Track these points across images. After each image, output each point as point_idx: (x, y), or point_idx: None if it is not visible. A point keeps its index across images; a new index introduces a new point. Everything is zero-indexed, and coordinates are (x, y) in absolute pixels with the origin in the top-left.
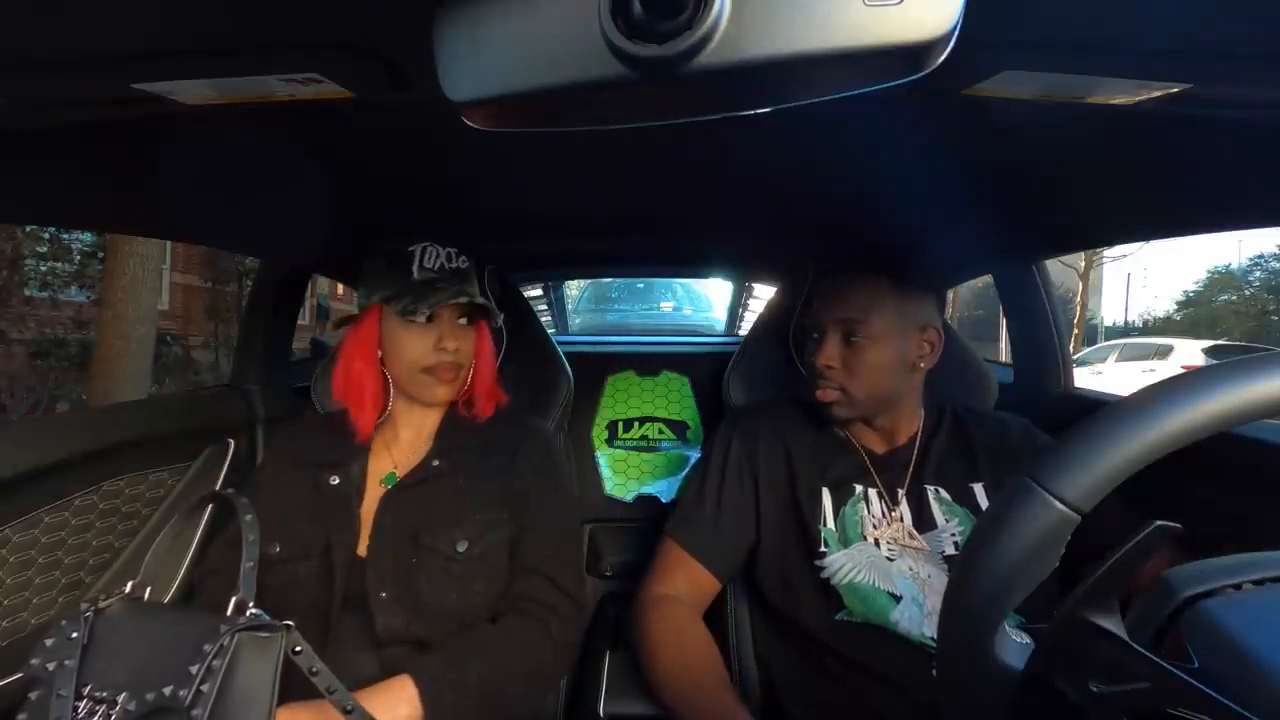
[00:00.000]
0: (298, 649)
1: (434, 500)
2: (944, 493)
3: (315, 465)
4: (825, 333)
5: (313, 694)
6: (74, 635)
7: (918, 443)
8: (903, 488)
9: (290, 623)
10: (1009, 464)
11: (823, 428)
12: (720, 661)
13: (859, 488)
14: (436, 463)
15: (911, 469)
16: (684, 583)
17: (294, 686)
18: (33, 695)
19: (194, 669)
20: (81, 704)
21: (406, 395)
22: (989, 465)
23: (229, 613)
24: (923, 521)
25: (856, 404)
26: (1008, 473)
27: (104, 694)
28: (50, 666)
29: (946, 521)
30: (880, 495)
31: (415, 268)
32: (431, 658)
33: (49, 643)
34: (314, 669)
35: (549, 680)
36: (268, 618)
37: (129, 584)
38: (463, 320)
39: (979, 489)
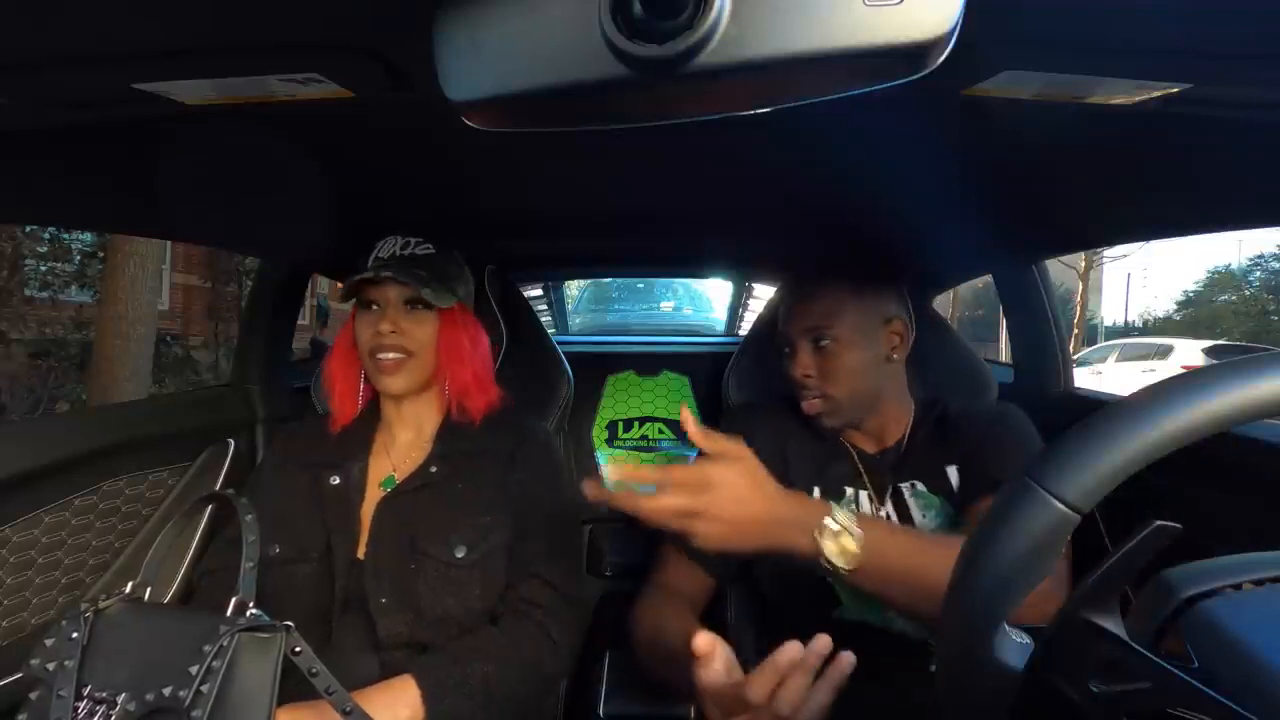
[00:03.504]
0: (297, 649)
1: (432, 506)
2: (920, 485)
3: (316, 465)
4: (795, 345)
5: (312, 694)
6: (74, 635)
7: (905, 443)
8: (888, 489)
9: (290, 623)
10: (980, 444)
11: (817, 430)
12: (687, 629)
13: (849, 490)
14: (434, 468)
15: (893, 470)
16: (681, 580)
17: (293, 686)
18: (33, 695)
19: (194, 669)
20: (82, 704)
21: (390, 396)
22: (961, 449)
23: (229, 613)
24: (904, 520)
25: (842, 409)
26: (976, 450)
27: (104, 694)
28: (50, 667)
29: (923, 516)
30: (870, 498)
31: (371, 259)
32: (434, 658)
33: (49, 643)
34: (313, 670)
35: (549, 681)
36: (268, 618)
37: (129, 584)
38: (413, 306)
39: (951, 471)
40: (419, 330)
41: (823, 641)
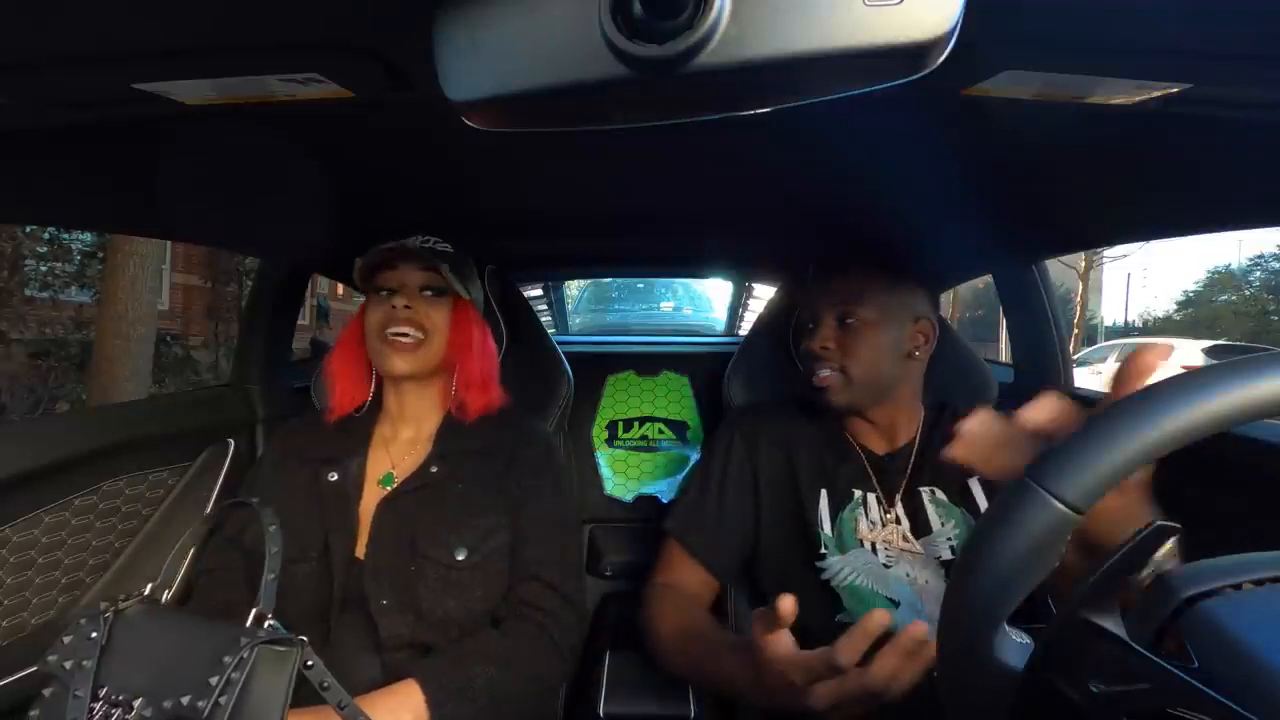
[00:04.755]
0: (309, 664)
1: (432, 507)
2: (940, 494)
3: (314, 461)
4: (821, 319)
5: (313, 696)
6: (93, 635)
7: (917, 444)
8: (900, 492)
9: (305, 638)
10: None
11: (824, 429)
12: (717, 625)
13: (858, 493)
14: (435, 469)
15: (909, 471)
16: (685, 580)
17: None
18: (47, 692)
19: (213, 680)
20: (97, 705)
21: (393, 385)
22: None
23: (248, 624)
24: (919, 526)
25: (854, 387)
26: None
27: (120, 697)
28: (68, 665)
29: (942, 525)
30: (879, 500)
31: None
32: (437, 662)
33: (67, 640)
34: (325, 684)
35: (551, 684)
36: (285, 631)
37: (148, 585)
38: (428, 292)
39: (976, 484)
40: (435, 313)
41: (919, 628)
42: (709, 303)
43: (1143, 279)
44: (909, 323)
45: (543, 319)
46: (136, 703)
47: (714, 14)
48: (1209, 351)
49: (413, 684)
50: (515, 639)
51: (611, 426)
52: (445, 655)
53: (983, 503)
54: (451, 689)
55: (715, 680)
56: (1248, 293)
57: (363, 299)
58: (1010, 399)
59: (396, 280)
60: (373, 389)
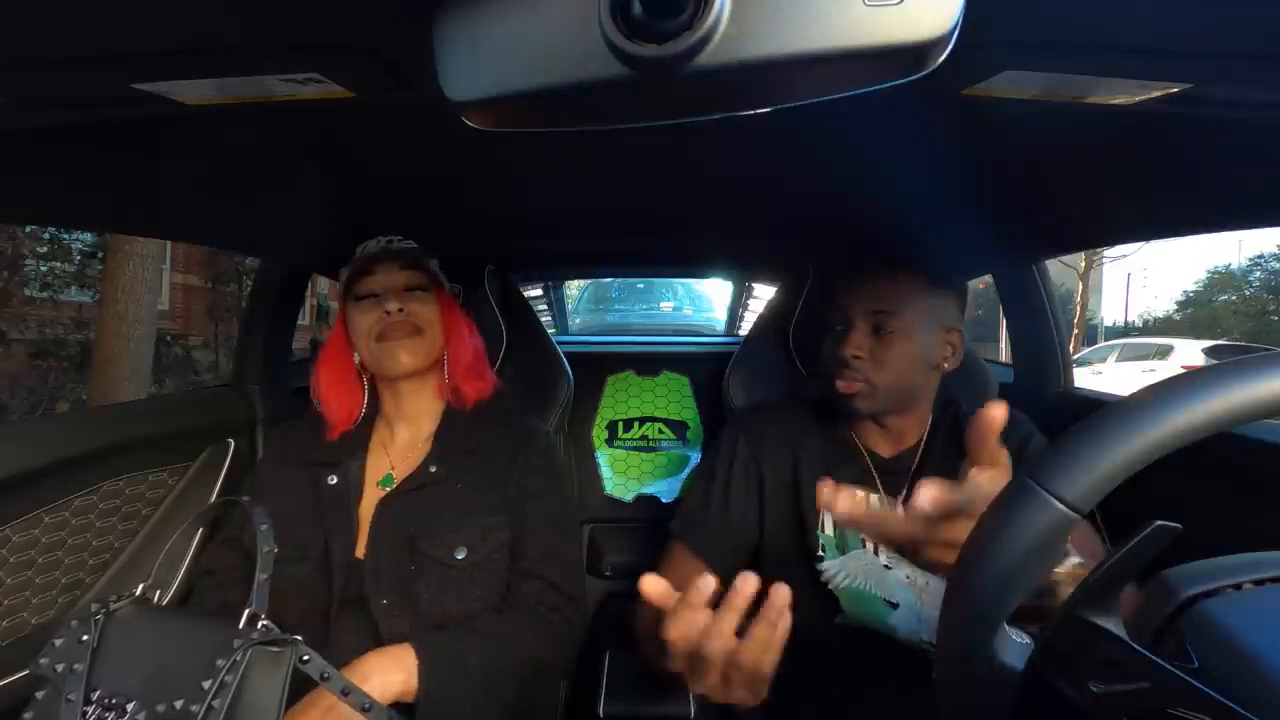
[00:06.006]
0: (305, 658)
1: (432, 507)
2: None
3: (314, 464)
4: (853, 323)
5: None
6: (84, 638)
7: (922, 447)
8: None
9: (299, 637)
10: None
11: (830, 430)
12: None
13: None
14: (434, 468)
15: (911, 474)
16: (685, 579)
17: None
18: (39, 695)
19: (206, 684)
20: (90, 709)
21: (389, 387)
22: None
23: (241, 625)
24: None
25: (879, 397)
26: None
27: (113, 700)
28: (59, 668)
29: None
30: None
31: (358, 255)
32: (436, 634)
33: (58, 643)
34: (325, 674)
35: (549, 673)
36: (279, 631)
37: (140, 586)
38: (414, 291)
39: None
40: (424, 309)
41: (749, 582)
42: (709, 303)
43: (1143, 279)
44: (940, 333)
45: (543, 319)
46: (129, 706)
47: (714, 14)
48: (1209, 351)
49: (408, 647)
50: (517, 624)
51: (611, 426)
52: (445, 630)
53: None
54: (445, 658)
55: (654, 658)
56: (1248, 293)
57: None
58: (1010, 399)
59: (380, 285)
60: (367, 395)
